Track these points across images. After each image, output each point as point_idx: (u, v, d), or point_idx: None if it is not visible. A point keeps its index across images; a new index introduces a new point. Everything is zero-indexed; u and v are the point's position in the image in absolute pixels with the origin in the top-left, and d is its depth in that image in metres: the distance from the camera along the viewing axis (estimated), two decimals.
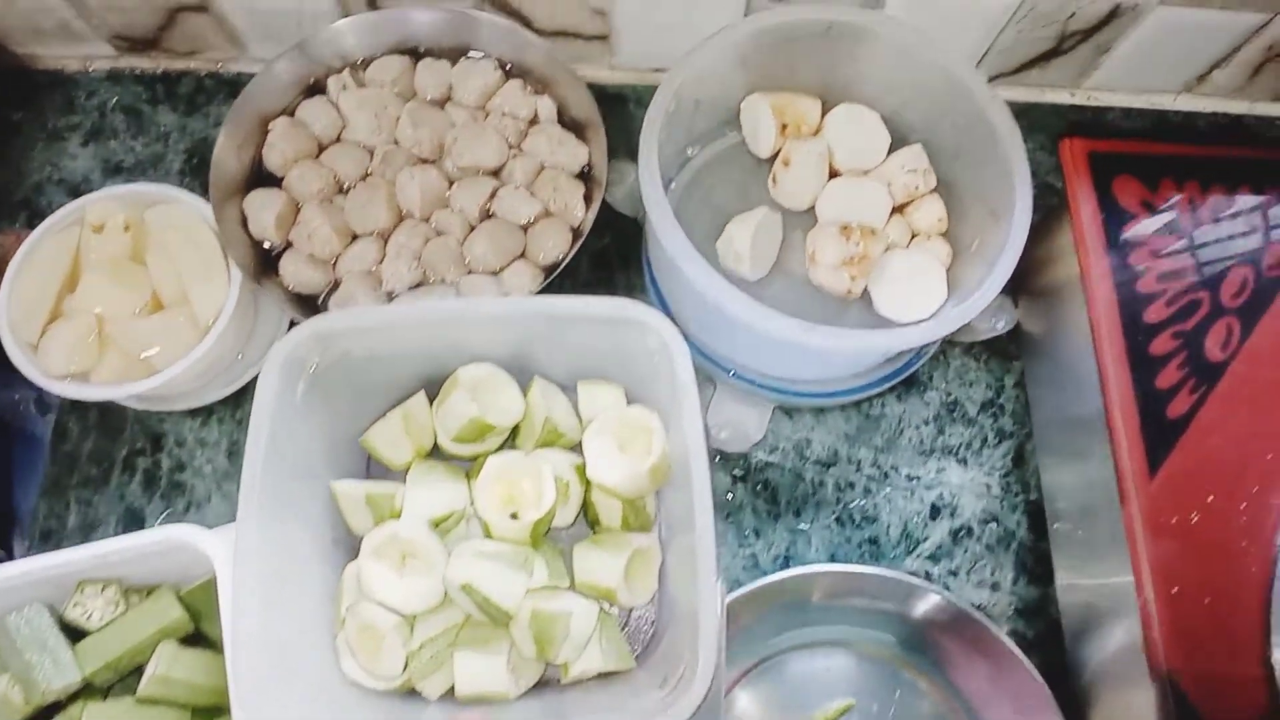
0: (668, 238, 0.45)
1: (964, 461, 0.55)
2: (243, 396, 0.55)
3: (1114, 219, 0.48)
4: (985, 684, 0.49)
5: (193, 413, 0.55)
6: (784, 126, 0.54)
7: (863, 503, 0.54)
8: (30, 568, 0.41)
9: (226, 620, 0.39)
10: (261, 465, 0.41)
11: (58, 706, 0.43)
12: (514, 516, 0.46)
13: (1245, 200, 0.48)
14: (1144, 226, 0.48)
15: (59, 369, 0.49)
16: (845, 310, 0.52)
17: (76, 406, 0.55)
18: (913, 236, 0.53)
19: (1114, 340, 0.45)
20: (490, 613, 0.43)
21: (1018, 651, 0.47)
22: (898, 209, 0.53)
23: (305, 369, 0.45)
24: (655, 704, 0.39)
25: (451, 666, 0.45)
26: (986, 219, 0.49)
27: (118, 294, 0.50)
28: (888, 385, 0.53)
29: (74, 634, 0.43)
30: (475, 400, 0.47)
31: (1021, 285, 0.56)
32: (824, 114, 0.55)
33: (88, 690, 0.43)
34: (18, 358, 0.49)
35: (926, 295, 0.50)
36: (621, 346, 0.47)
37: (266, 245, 0.54)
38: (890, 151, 0.53)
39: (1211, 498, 0.42)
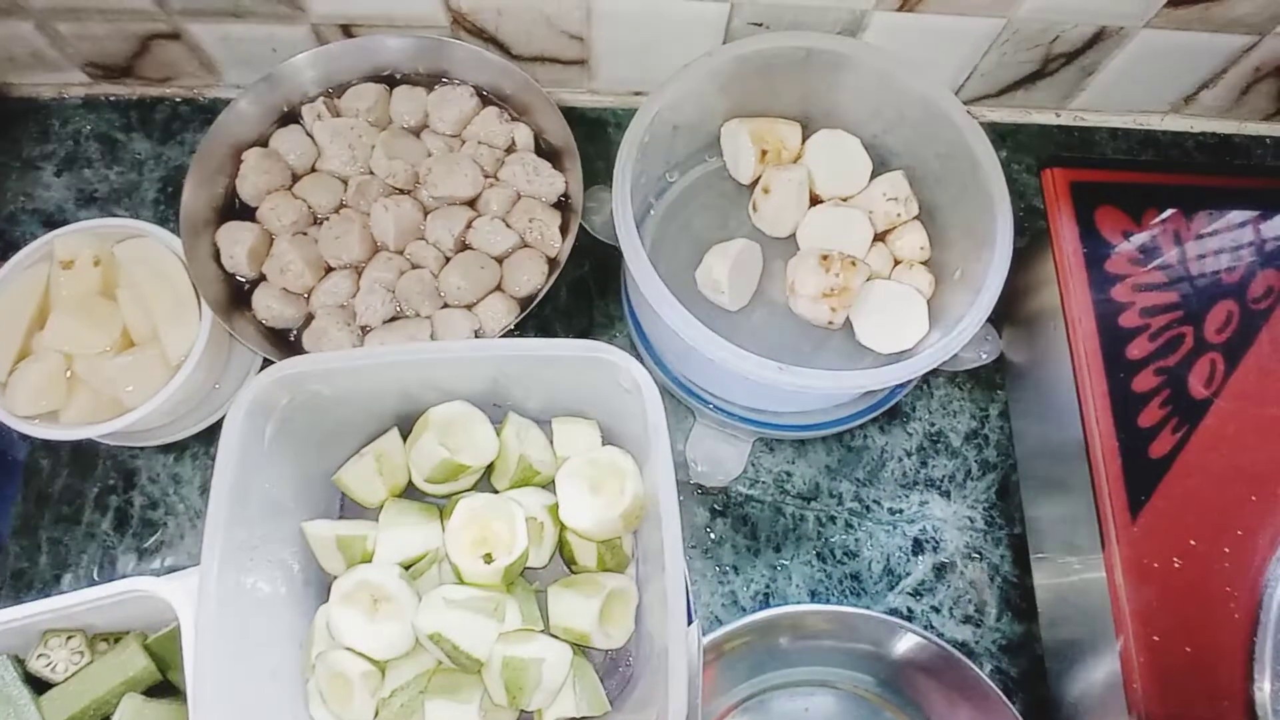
0: (643, 279, 0.44)
1: (947, 494, 0.55)
2: (217, 431, 0.54)
3: (1096, 251, 0.47)
4: None
5: (166, 449, 0.55)
6: (764, 153, 0.53)
7: (844, 537, 0.54)
8: None
9: (189, 678, 0.38)
10: (226, 512, 0.41)
11: None
12: (487, 558, 0.45)
13: (1230, 231, 0.47)
14: (1127, 259, 0.47)
15: (27, 409, 0.48)
16: (828, 339, 0.51)
17: (48, 444, 0.55)
18: (895, 264, 0.53)
19: (1096, 377, 0.44)
20: (460, 661, 0.43)
21: (998, 692, 0.46)
22: (879, 237, 0.53)
23: (273, 412, 0.44)
24: None
25: (423, 715, 0.44)
26: (969, 247, 0.48)
27: (87, 332, 0.50)
28: (868, 417, 0.52)
29: (39, 685, 0.42)
30: (447, 441, 0.46)
31: (1005, 313, 0.55)
32: (804, 139, 0.54)
33: None
34: None
35: (909, 325, 0.50)
36: (595, 384, 0.46)
37: (239, 278, 0.53)
38: (872, 177, 0.53)
39: (1194, 541, 0.41)
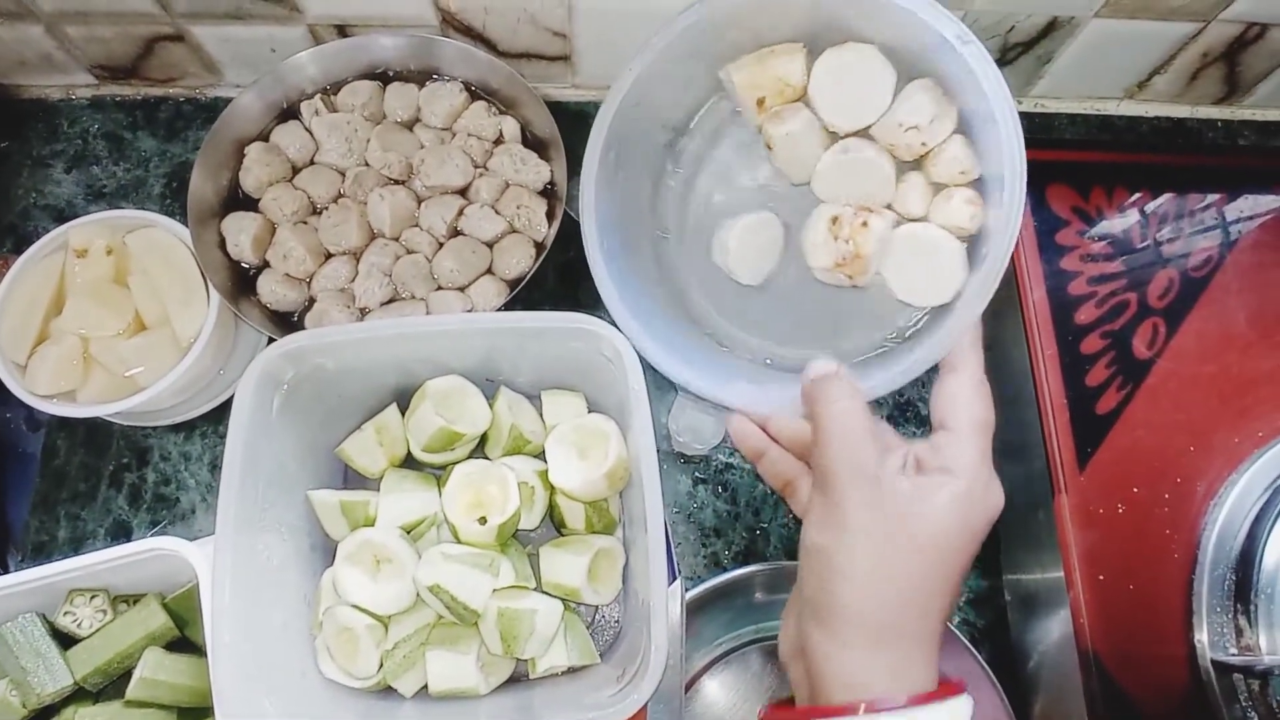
0: (609, 301, 0.45)
1: None
2: (225, 411, 0.58)
3: (1047, 225, 0.50)
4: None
5: (176, 428, 0.58)
6: (760, 101, 0.45)
7: None
8: (24, 579, 0.43)
9: (208, 627, 0.41)
10: (238, 479, 0.44)
11: (51, 710, 0.45)
12: (481, 521, 0.48)
13: (1171, 205, 0.51)
14: (1075, 232, 0.50)
15: (46, 388, 0.51)
16: (860, 300, 0.46)
17: (64, 424, 0.58)
18: (937, 191, 0.43)
19: (1047, 340, 0.48)
20: (458, 612, 0.46)
21: (965, 641, 0.49)
22: (915, 163, 0.44)
23: (279, 385, 0.47)
24: (609, 698, 0.42)
25: (424, 665, 0.47)
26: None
27: (101, 316, 0.53)
28: None
29: (65, 640, 0.45)
30: (444, 411, 0.50)
31: None
32: (809, 67, 0.45)
33: (79, 694, 0.45)
34: (7, 378, 0.51)
35: (945, 273, 0.42)
36: (580, 356, 0.49)
37: (244, 265, 0.56)
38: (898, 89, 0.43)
39: (1136, 489, 0.45)
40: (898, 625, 0.32)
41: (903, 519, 0.33)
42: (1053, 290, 0.49)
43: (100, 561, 0.44)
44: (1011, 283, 0.50)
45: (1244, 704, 0.41)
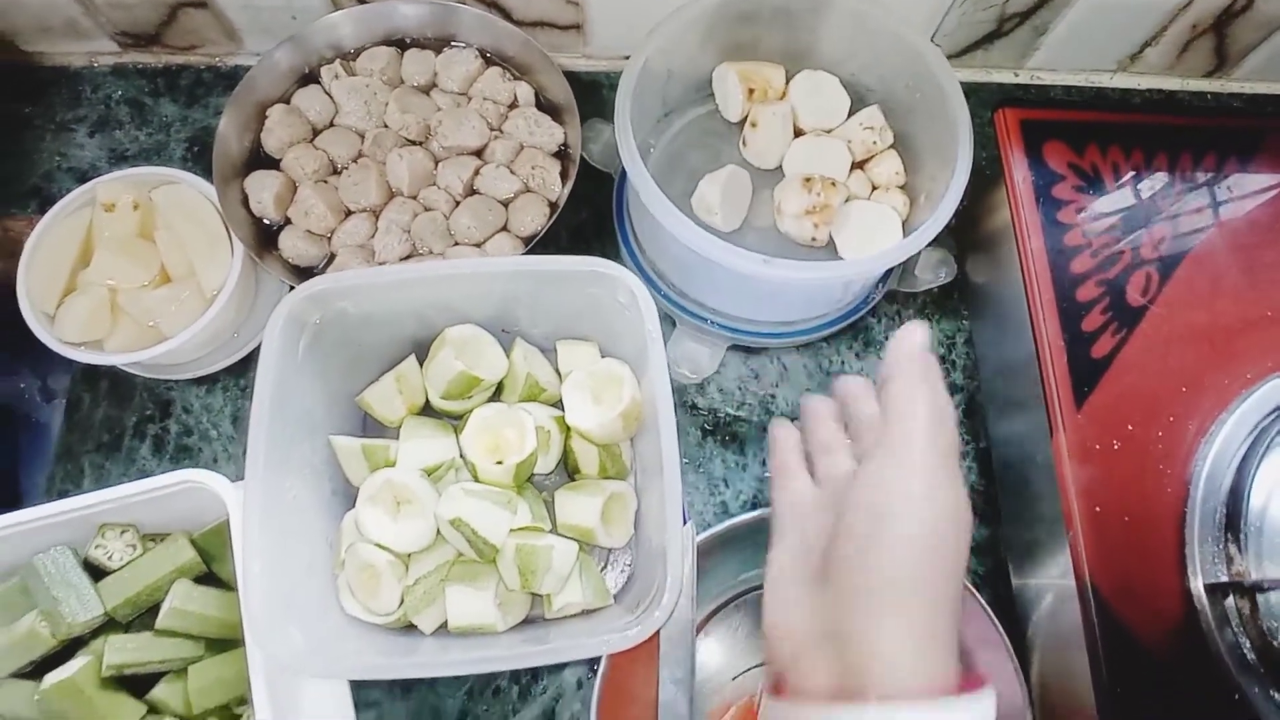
0: (640, 184, 0.49)
1: None
2: (245, 366, 0.59)
3: (1044, 180, 0.52)
4: None
5: (199, 381, 0.59)
6: (751, 91, 0.59)
7: None
8: (56, 509, 0.45)
9: (239, 550, 0.43)
10: (268, 413, 0.45)
11: (79, 642, 0.46)
12: (499, 464, 0.50)
13: (1164, 162, 0.53)
14: (1071, 186, 0.52)
15: (75, 336, 0.53)
16: (812, 257, 0.56)
17: (88, 377, 0.59)
18: (873, 190, 0.58)
19: (1044, 287, 0.50)
20: (478, 546, 0.47)
21: (970, 586, 0.51)
22: (858, 164, 0.59)
23: (305, 327, 0.49)
24: (623, 624, 0.43)
25: (443, 602, 0.48)
26: (938, 167, 0.53)
27: (129, 267, 0.54)
28: (834, 328, 0.58)
29: (96, 573, 0.46)
30: (462, 356, 0.51)
31: (967, 240, 0.61)
32: (788, 80, 0.59)
33: (109, 625, 0.47)
34: (37, 327, 0.53)
35: (885, 240, 0.55)
36: (594, 303, 0.51)
37: (266, 222, 0.58)
38: (851, 112, 0.58)
39: (1131, 427, 0.47)
40: (946, 600, 0.31)
41: (956, 491, 0.33)
42: (1049, 241, 0.51)
43: (131, 494, 0.45)
44: (1010, 235, 0.52)
45: (1235, 629, 0.43)
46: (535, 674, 0.54)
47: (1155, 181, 0.52)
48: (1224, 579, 0.43)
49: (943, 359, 0.61)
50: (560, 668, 0.54)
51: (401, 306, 0.51)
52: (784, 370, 0.60)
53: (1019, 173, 0.52)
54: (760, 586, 0.55)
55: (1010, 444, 0.56)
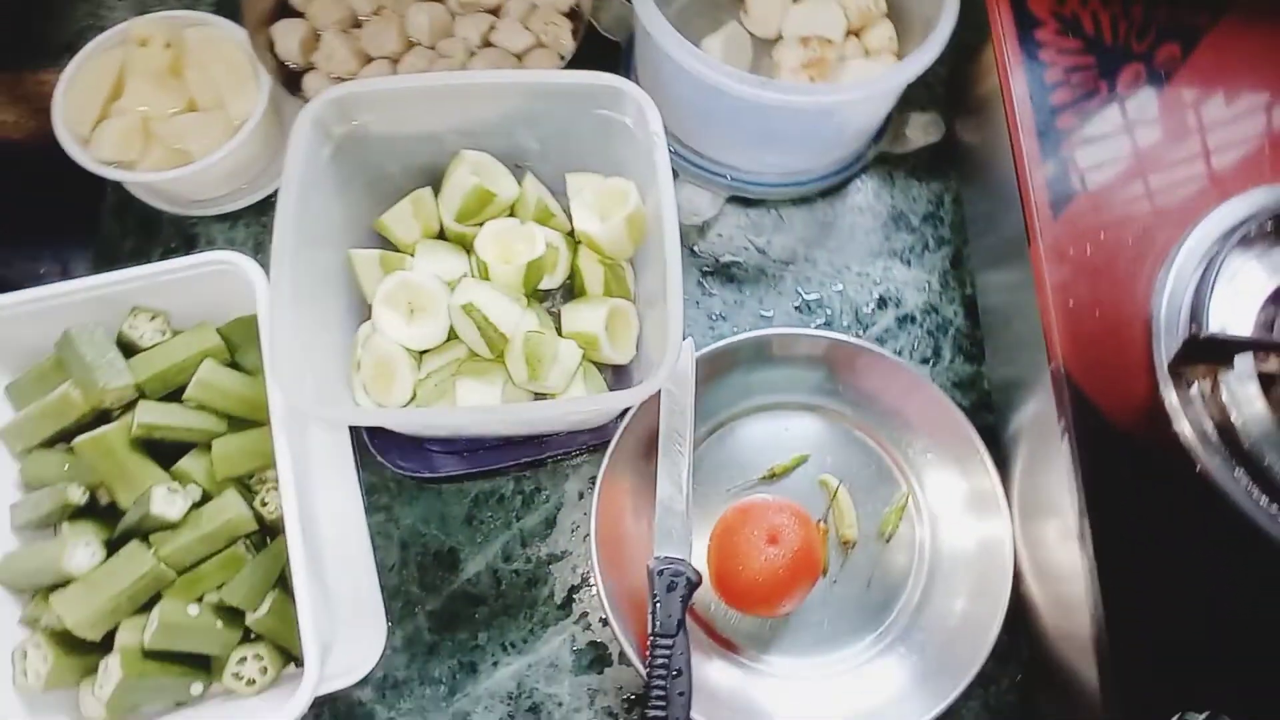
0: (650, 22, 0.52)
1: (908, 262, 0.63)
2: (265, 205, 0.62)
3: (1027, 22, 0.56)
4: (927, 437, 0.56)
5: (223, 217, 0.62)
6: None
7: (819, 294, 0.61)
8: (91, 283, 0.47)
9: (264, 320, 0.45)
10: (295, 203, 0.48)
11: (107, 416, 0.49)
12: (509, 264, 0.52)
13: (1138, 7, 0.56)
14: (1052, 30, 0.55)
15: (109, 155, 0.56)
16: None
17: (117, 212, 0.62)
18: (867, 54, 0.61)
19: (1025, 114, 0.53)
20: (489, 335, 0.50)
21: (960, 412, 0.54)
22: (853, 32, 0.62)
23: (330, 136, 0.51)
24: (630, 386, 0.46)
25: (454, 394, 0.51)
26: (929, 40, 0.56)
27: (160, 96, 0.57)
28: (828, 183, 0.61)
29: (128, 351, 0.49)
30: (477, 174, 0.54)
31: (958, 102, 0.64)
32: None
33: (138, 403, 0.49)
34: (72, 149, 0.56)
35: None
36: (603, 127, 0.53)
37: (291, 65, 0.61)
38: None
39: (1103, 234, 0.50)
40: None
41: None
42: (1030, 75, 0.54)
43: (164, 270, 0.48)
44: (993, 70, 0.55)
45: (1199, 408, 0.46)
46: (538, 484, 0.56)
47: (1131, 22, 0.56)
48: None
49: (930, 215, 0.64)
50: (563, 478, 0.56)
51: (419, 127, 0.54)
52: (780, 220, 0.64)
53: (1003, 18, 0.55)
54: (755, 410, 0.58)
55: (993, 292, 0.59)
